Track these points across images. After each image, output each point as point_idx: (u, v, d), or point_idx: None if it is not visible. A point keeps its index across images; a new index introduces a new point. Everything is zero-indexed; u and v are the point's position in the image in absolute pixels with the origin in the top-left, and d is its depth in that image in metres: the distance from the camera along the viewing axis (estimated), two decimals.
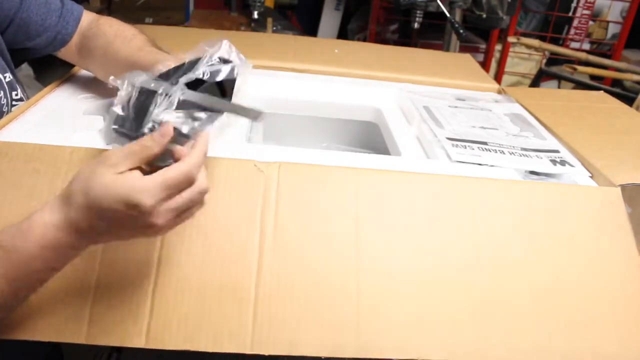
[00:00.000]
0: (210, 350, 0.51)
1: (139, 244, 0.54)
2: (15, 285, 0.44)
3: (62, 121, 0.69)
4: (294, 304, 0.53)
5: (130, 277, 0.53)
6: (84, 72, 0.86)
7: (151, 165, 0.45)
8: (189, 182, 0.44)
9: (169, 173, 0.43)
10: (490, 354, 0.54)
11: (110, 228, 0.44)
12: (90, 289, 0.52)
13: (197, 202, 0.46)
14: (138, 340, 0.50)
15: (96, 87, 0.81)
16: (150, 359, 0.71)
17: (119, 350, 0.74)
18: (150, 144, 0.44)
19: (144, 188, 0.42)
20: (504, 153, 0.74)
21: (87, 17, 0.77)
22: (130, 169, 0.43)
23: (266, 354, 0.51)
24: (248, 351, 0.51)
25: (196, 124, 0.48)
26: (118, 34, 0.73)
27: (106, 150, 0.47)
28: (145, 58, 0.66)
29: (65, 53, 0.77)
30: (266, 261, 0.55)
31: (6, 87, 0.71)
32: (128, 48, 0.70)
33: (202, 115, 0.49)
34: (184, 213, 0.45)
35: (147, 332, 0.51)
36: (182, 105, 0.49)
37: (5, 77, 0.71)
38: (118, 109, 0.49)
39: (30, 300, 0.50)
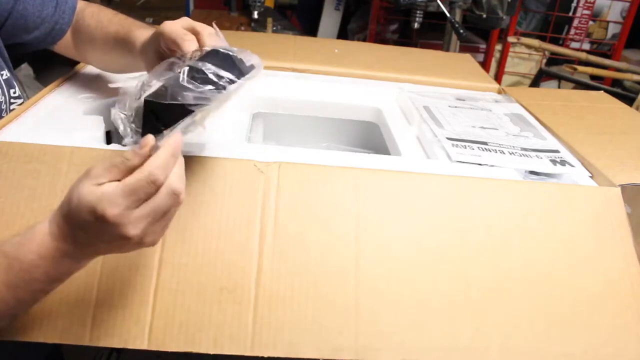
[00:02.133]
0: (211, 352, 0.51)
1: None
2: (16, 293, 0.44)
3: (62, 121, 0.69)
4: (293, 306, 0.53)
5: (131, 280, 0.53)
6: (84, 72, 0.86)
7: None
8: (153, 185, 0.42)
9: (129, 179, 0.42)
10: (487, 355, 0.54)
11: (90, 240, 0.44)
12: (93, 291, 0.52)
13: (170, 205, 0.44)
14: (140, 342, 0.51)
15: (96, 87, 0.81)
16: (150, 358, 0.72)
17: (119, 350, 0.75)
18: (130, 156, 0.43)
19: (107, 197, 0.41)
20: (504, 153, 0.74)
21: (76, 7, 0.77)
22: (111, 181, 0.42)
23: (266, 355, 0.51)
24: (248, 353, 0.51)
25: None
26: (98, 26, 0.73)
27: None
28: (126, 38, 0.68)
29: (62, 46, 0.77)
30: (266, 262, 0.55)
31: (4, 85, 0.71)
32: (107, 38, 0.72)
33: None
34: (159, 221, 0.44)
35: (149, 334, 0.51)
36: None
37: (2, 75, 0.71)
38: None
39: None
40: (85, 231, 0.43)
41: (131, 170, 0.43)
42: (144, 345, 0.51)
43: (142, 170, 0.42)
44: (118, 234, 0.42)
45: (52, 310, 0.51)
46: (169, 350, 0.51)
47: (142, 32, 0.66)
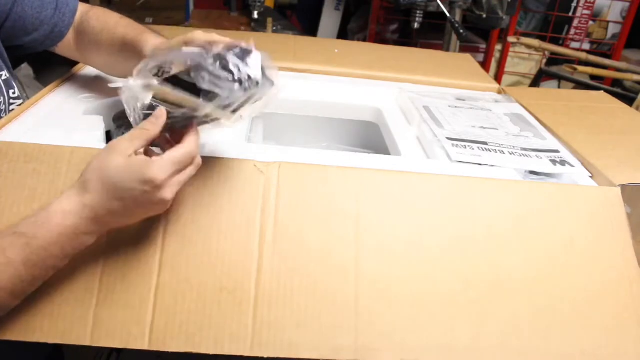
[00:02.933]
0: (211, 352, 0.51)
1: (140, 246, 0.54)
2: (32, 271, 0.48)
3: (62, 121, 0.69)
4: (293, 307, 0.53)
5: (132, 280, 0.53)
6: (84, 72, 0.86)
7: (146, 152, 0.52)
8: (192, 160, 0.51)
9: (179, 152, 0.50)
10: (487, 354, 0.54)
11: (126, 208, 0.49)
12: (94, 292, 0.53)
13: (192, 174, 0.52)
14: (141, 343, 0.51)
15: (96, 87, 0.81)
16: (150, 358, 0.72)
17: (119, 350, 0.75)
18: (149, 127, 0.50)
19: (158, 165, 0.48)
20: (504, 153, 0.74)
21: (80, 10, 0.77)
22: (136, 153, 0.49)
23: (266, 355, 0.51)
24: (248, 353, 0.51)
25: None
26: (104, 28, 0.73)
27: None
28: (134, 42, 0.68)
29: (63, 48, 0.77)
30: (266, 263, 0.55)
31: (3, 86, 0.71)
32: (113, 40, 0.72)
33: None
34: (182, 184, 0.52)
35: (150, 335, 0.51)
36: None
37: (1, 76, 0.71)
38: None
39: (36, 302, 0.51)
40: (124, 200, 0.48)
41: (151, 139, 0.50)
42: (144, 346, 0.51)
43: (187, 147, 0.50)
44: (157, 197, 0.48)
45: (54, 310, 0.51)
46: (170, 350, 0.51)
47: (152, 37, 0.66)
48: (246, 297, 0.53)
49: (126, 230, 0.54)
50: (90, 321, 0.51)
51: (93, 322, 0.51)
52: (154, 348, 0.51)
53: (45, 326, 0.51)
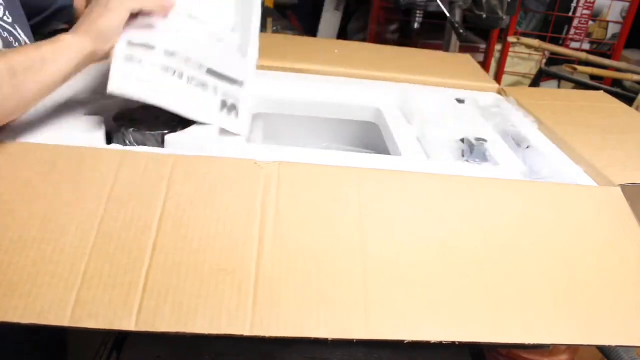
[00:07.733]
0: (206, 332, 0.48)
1: (133, 232, 0.53)
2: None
3: (62, 121, 0.69)
4: (297, 287, 0.51)
5: (122, 262, 0.51)
6: (84, 72, 0.86)
7: None
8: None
9: None
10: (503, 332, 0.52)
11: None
12: (79, 274, 0.50)
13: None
14: (127, 324, 0.47)
15: (96, 87, 0.81)
16: (150, 358, 0.72)
17: (119, 350, 0.75)
18: None
19: None
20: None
21: None
22: None
23: (268, 335, 0.48)
24: (247, 333, 0.48)
25: None
26: None
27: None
28: None
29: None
30: (267, 246, 0.54)
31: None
32: None
33: None
34: None
35: (138, 315, 0.48)
36: None
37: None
38: None
39: (15, 283, 0.49)
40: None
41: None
42: (131, 327, 0.47)
43: None
44: None
45: (33, 291, 0.49)
46: (160, 331, 0.48)
47: None
48: (246, 278, 0.51)
49: (119, 218, 0.53)
50: (71, 302, 0.48)
51: (75, 303, 0.48)
52: (141, 329, 0.47)
53: (20, 306, 0.48)
